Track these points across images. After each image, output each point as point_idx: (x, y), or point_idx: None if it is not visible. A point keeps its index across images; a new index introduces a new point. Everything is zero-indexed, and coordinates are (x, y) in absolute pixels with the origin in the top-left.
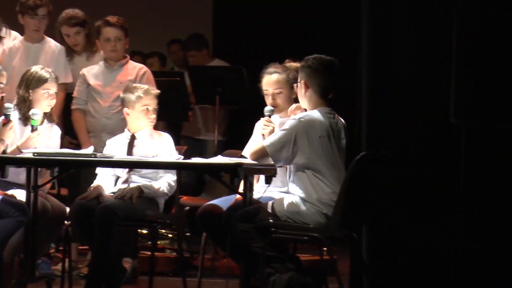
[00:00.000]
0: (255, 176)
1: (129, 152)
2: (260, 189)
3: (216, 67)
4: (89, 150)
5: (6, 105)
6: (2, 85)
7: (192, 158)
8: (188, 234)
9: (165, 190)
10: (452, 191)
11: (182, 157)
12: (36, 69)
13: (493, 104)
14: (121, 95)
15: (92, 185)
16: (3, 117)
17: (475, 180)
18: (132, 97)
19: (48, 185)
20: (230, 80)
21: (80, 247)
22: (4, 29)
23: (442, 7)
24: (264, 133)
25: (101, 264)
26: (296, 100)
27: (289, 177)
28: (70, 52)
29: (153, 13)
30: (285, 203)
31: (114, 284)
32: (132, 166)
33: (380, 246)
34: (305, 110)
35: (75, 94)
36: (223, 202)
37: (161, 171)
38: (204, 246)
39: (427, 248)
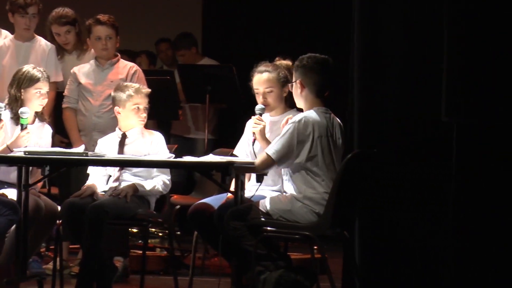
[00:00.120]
0: (246, 175)
1: (120, 151)
2: (252, 187)
3: (206, 65)
4: (80, 149)
5: None
6: None
7: (183, 157)
8: (179, 232)
9: (160, 189)
10: (443, 189)
11: (174, 155)
12: (28, 68)
13: (484, 102)
14: (112, 93)
15: (86, 184)
16: None
17: (467, 178)
18: (123, 96)
19: (39, 184)
20: (220, 78)
21: (71, 246)
22: None
23: (433, 6)
24: (255, 131)
25: (92, 263)
26: (288, 99)
27: (283, 176)
28: (61, 50)
29: (142, 11)
30: (277, 202)
31: (105, 283)
32: (123, 164)
33: (372, 244)
34: (302, 110)
35: (66, 92)
36: (214, 200)
37: (155, 170)
38: (195, 244)
39: (418, 246)
